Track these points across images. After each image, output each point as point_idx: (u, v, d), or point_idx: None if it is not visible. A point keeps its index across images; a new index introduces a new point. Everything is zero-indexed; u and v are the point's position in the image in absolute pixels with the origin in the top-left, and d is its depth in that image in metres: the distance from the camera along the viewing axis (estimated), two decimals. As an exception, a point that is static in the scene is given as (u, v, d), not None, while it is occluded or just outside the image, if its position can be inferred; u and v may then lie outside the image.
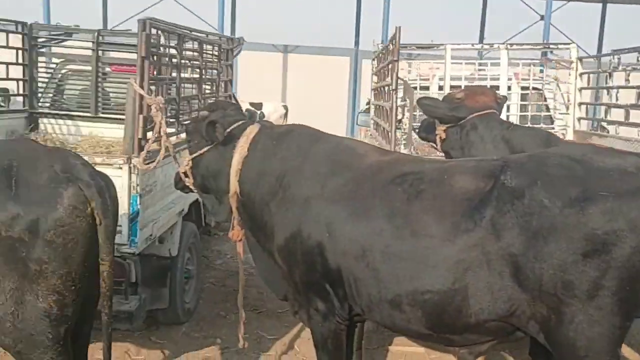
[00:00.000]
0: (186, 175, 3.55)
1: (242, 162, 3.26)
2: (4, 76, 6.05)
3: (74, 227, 2.48)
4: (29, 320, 2.48)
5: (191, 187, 3.60)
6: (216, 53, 5.54)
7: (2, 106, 7.17)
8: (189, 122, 3.59)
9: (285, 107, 14.91)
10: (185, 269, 4.94)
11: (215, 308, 5.32)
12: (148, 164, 3.60)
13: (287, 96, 17.73)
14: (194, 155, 3.44)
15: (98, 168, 2.87)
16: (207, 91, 5.40)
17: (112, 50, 6.52)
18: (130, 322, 4.03)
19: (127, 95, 3.63)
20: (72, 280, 2.50)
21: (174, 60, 4.45)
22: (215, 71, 5.54)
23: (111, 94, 6.60)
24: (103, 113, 6.35)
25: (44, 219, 2.43)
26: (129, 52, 6.07)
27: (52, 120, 6.40)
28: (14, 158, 2.55)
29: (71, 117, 6.40)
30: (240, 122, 3.40)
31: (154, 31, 3.91)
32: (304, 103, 15.60)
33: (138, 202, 3.76)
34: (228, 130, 3.28)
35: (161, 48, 4.16)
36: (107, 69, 6.42)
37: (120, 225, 3.52)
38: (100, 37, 6.09)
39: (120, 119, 6.29)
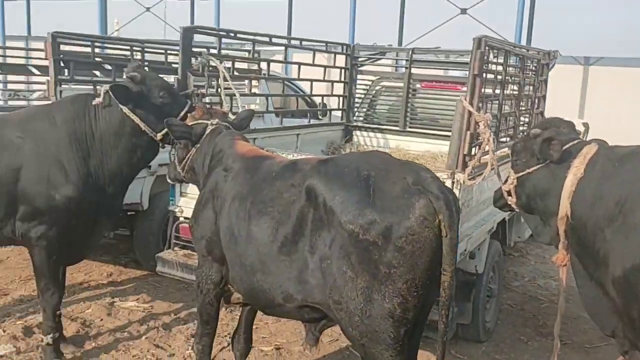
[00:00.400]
0: (509, 194, 3.51)
1: (577, 183, 3.09)
2: (329, 92, 6.80)
3: (422, 237, 2.62)
4: (375, 317, 2.69)
5: (513, 205, 3.55)
6: (534, 68, 5.40)
7: (321, 119, 8.04)
8: (517, 140, 3.55)
9: (586, 125, 13.74)
10: (488, 287, 4.89)
11: (515, 332, 5.16)
12: (472, 179, 3.65)
13: (586, 112, 16.35)
14: (522, 173, 3.38)
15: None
16: (523, 108, 5.28)
17: (423, 67, 6.82)
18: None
19: (455, 112, 3.72)
20: (415, 286, 2.65)
21: (499, 77, 4.45)
22: (531, 87, 5.40)
23: (418, 110, 6.91)
24: (410, 127, 6.68)
25: (397, 226, 2.62)
26: (439, 68, 6.29)
27: (364, 133, 6.96)
28: (371, 169, 2.80)
29: (381, 131, 6.88)
30: (576, 141, 3.23)
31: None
32: (608, 120, 14.20)
33: (459, 217, 3.83)
34: (563, 148, 3.15)
35: (490, 65, 4.20)
36: (417, 86, 6.74)
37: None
38: (414, 55, 6.42)
39: (426, 133, 6.56)
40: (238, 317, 4.14)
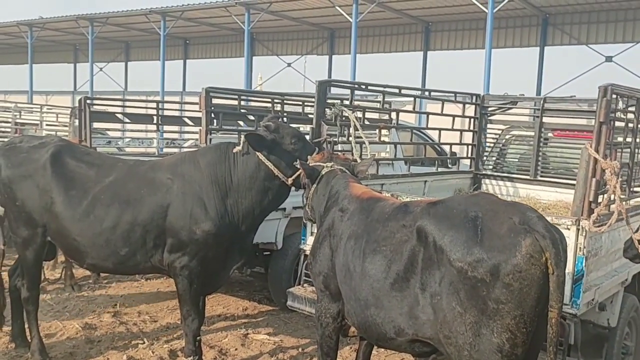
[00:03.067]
0: (640, 243, 3.42)
1: None
2: (458, 141, 6.91)
3: (529, 274, 2.71)
4: (484, 352, 2.78)
5: (645, 257, 3.44)
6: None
7: (450, 167, 8.12)
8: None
9: None
10: (623, 344, 4.62)
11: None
12: (598, 226, 3.59)
13: None
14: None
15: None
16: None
17: (556, 117, 6.72)
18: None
19: (581, 159, 3.72)
20: (523, 322, 2.72)
21: (630, 124, 4.35)
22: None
23: (550, 158, 6.78)
24: (541, 176, 6.57)
25: (504, 263, 2.72)
26: (573, 117, 6.17)
27: (493, 181, 6.94)
28: (479, 210, 2.94)
29: (511, 179, 6.82)
30: None
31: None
32: None
33: (583, 264, 3.76)
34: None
35: (618, 113, 4.14)
36: (549, 134, 6.64)
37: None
38: (545, 104, 6.37)
39: (557, 182, 6.41)
40: (356, 351, 4.34)
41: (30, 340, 5.07)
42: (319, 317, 3.85)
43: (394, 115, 6.54)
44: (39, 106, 12.77)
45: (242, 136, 4.61)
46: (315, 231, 4.09)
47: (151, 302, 6.98)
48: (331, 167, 4.09)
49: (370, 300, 3.30)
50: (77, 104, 7.62)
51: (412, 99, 6.71)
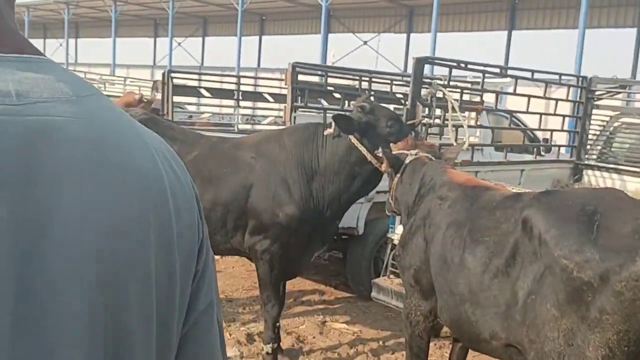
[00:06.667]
0: None
1: None
2: (559, 128, 6.35)
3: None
4: (572, 364, 2.38)
5: None
6: None
7: (543, 155, 7.54)
8: None
9: None
10: None
11: None
12: None
13: None
14: None
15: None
16: None
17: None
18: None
19: None
20: (627, 340, 2.28)
21: None
22: None
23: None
24: (654, 169, 5.94)
25: (619, 268, 2.29)
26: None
27: (597, 173, 6.36)
28: (599, 205, 2.53)
29: (618, 171, 6.22)
30: None
31: None
32: None
33: None
34: None
35: None
36: (666, 123, 5.98)
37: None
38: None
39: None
40: (448, 355, 3.99)
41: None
42: (408, 314, 3.53)
43: (485, 97, 6.05)
44: (123, 78, 12.97)
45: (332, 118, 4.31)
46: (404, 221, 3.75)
47: (226, 280, 6.88)
48: (416, 154, 3.75)
49: (465, 295, 2.95)
50: (155, 78, 7.56)
51: (507, 80, 6.21)
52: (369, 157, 4.16)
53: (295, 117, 5.71)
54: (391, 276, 4.86)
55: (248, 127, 10.01)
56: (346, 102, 6.29)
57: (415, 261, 3.41)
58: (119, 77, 15.46)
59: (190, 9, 32.32)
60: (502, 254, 2.79)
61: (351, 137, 4.18)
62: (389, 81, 6.58)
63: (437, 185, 3.47)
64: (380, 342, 5.29)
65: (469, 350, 3.79)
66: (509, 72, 5.60)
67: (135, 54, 37.73)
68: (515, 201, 2.94)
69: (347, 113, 4.43)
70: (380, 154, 3.91)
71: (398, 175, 3.76)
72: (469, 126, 5.08)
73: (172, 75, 7.55)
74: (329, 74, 6.53)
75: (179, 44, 35.59)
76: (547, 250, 2.54)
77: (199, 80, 9.72)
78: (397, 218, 4.79)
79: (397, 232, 4.81)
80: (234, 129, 8.82)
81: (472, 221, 3.05)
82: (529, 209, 2.73)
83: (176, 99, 7.69)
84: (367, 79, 6.28)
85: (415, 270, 3.41)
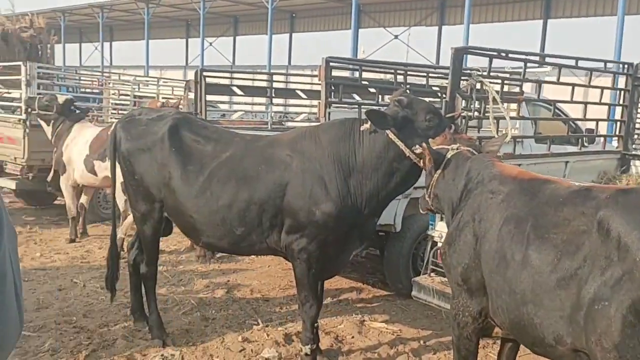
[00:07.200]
0: None
1: None
2: (602, 117, 6.10)
3: None
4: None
5: None
6: None
7: (586, 146, 7.27)
8: None
9: None
10: None
11: None
12: None
13: None
14: None
15: None
16: None
17: None
18: None
19: None
20: None
21: None
22: None
23: None
24: None
25: None
26: None
27: (645, 163, 6.08)
28: None
29: (668, 162, 5.94)
30: None
31: None
32: None
33: None
34: None
35: None
36: None
37: None
38: None
39: None
40: (497, 356, 3.82)
41: (148, 315, 5.02)
42: (455, 315, 3.38)
43: (524, 88, 5.84)
44: (156, 79, 13.06)
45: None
46: (444, 219, 3.60)
47: (263, 279, 6.83)
48: (457, 149, 3.59)
49: (528, 295, 2.78)
50: (188, 78, 7.55)
51: (547, 69, 5.98)
52: (407, 152, 4.01)
53: (329, 113, 5.59)
54: (432, 274, 4.71)
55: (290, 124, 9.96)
56: (381, 96, 6.14)
57: (463, 259, 3.26)
58: (152, 77, 15.59)
59: (221, 9, 32.49)
60: (571, 254, 2.63)
61: (388, 132, 4.04)
62: (424, 74, 6.41)
63: (486, 179, 3.31)
64: (421, 342, 5.15)
65: (518, 351, 3.63)
66: (552, 60, 5.36)
67: (168, 55, 38.20)
68: (586, 198, 2.75)
69: (383, 108, 4.29)
70: (419, 150, 3.76)
71: (439, 171, 3.62)
72: (511, 118, 4.88)
73: (205, 74, 7.52)
74: (363, 68, 6.40)
75: (211, 43, 35.83)
76: (628, 255, 2.39)
77: (231, 78, 9.70)
78: (438, 215, 4.65)
79: (438, 229, 4.67)
80: (267, 126, 8.76)
81: (535, 217, 2.87)
82: (605, 209, 2.56)
83: (209, 98, 7.68)
84: (403, 72, 6.12)
85: (463, 269, 3.26)
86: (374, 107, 4.76)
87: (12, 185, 9.04)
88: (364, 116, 4.18)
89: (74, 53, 44.18)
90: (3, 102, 9.91)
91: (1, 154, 9.20)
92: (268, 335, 5.11)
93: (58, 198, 9.98)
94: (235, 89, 8.00)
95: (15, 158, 8.86)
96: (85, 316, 5.39)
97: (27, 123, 8.57)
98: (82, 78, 12.83)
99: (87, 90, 13.09)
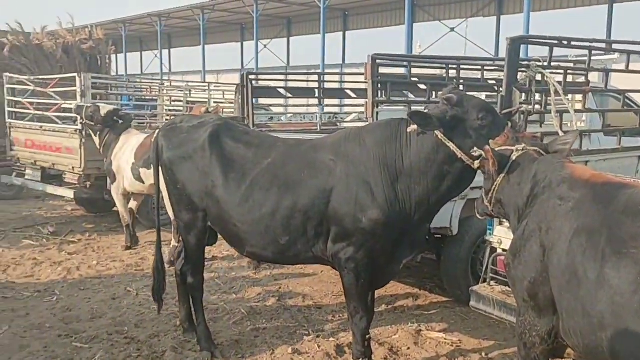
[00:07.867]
0: None
1: None
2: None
3: None
4: None
5: None
6: None
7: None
8: None
9: None
10: None
11: None
12: None
13: None
14: None
15: None
16: None
17: None
18: None
19: None
20: None
21: None
22: None
23: None
24: None
25: None
26: None
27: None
28: None
29: None
30: None
31: None
32: None
33: None
34: None
35: None
36: None
37: None
38: None
39: None
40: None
41: (196, 325, 4.91)
42: (521, 334, 3.05)
43: (590, 78, 5.37)
44: (207, 84, 13.13)
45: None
46: (509, 226, 3.27)
47: (315, 285, 6.64)
48: (522, 149, 3.25)
49: (607, 318, 2.44)
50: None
51: (615, 56, 5.50)
52: (459, 154, 3.70)
53: (377, 113, 5.33)
54: (492, 283, 4.37)
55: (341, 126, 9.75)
56: (433, 93, 5.82)
57: (529, 272, 2.93)
58: (203, 83, 15.74)
59: (274, 11, 32.67)
60: None
61: (438, 132, 3.74)
62: (479, 67, 6.04)
63: (555, 183, 2.97)
64: (483, 354, 4.81)
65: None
66: (619, 46, 4.91)
67: (224, 59, 38.72)
68: None
69: (429, 107, 3.99)
70: (478, 153, 3.43)
71: (502, 174, 3.29)
72: (576, 110, 4.47)
73: (256, 77, 7.40)
74: (413, 64, 6.09)
75: (265, 46, 36.08)
76: None
77: (286, 80, 9.56)
78: (496, 219, 4.31)
79: (496, 235, 4.33)
80: (317, 128, 8.57)
81: (610, 228, 2.54)
82: None
83: (262, 101, 7.56)
84: (455, 66, 5.78)
85: (530, 283, 2.93)
86: (419, 108, 4.45)
87: (70, 194, 9.26)
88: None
89: (136, 61, 45.56)
90: (62, 114, 10.15)
91: (61, 164, 9.42)
92: (319, 346, 4.90)
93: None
94: (282, 91, 7.83)
95: (73, 167, 9.05)
96: (137, 326, 5.35)
97: (83, 133, 8.72)
98: (135, 86, 13.05)
99: (144, 97, 13.32)
